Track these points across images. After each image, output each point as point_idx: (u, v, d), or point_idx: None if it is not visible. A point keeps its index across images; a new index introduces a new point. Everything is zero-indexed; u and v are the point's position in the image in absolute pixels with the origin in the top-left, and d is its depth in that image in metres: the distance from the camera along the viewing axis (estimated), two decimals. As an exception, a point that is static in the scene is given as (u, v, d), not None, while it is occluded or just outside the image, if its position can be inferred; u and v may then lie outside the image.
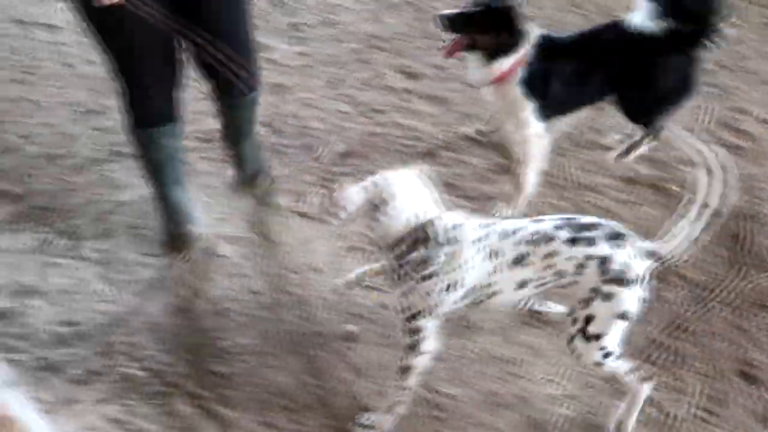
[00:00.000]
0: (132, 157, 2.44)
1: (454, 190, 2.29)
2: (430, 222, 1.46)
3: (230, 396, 1.73)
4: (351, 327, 1.88)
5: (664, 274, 1.92)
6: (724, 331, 1.86)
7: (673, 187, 2.26)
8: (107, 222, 2.22)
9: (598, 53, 2.05)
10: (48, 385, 1.78)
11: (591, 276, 1.43)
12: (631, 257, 1.43)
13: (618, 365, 1.51)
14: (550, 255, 1.44)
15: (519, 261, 1.45)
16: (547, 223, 1.48)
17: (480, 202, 2.24)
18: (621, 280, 1.42)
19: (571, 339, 1.50)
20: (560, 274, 1.45)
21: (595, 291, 1.43)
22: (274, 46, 3.02)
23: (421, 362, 1.55)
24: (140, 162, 2.06)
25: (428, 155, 2.44)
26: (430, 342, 1.55)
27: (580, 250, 1.42)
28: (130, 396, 1.75)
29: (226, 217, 2.25)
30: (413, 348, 1.54)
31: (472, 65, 2.07)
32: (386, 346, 1.82)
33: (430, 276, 1.46)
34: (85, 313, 1.95)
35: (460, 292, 1.49)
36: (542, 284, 1.49)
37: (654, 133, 2.22)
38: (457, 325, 1.87)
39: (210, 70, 1.90)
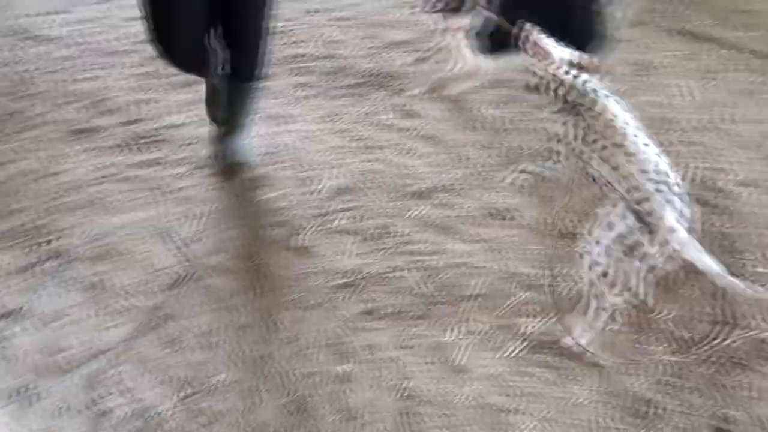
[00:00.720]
0: (125, 180, 2.45)
1: (447, 232, 2.34)
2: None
3: (219, 435, 1.71)
4: (344, 367, 1.88)
5: (650, 328, 2.00)
6: (703, 386, 1.92)
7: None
8: (99, 246, 2.18)
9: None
10: (25, 416, 1.73)
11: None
12: None
13: (606, 290, 1.74)
14: None
15: None
16: None
17: (474, 244, 2.29)
18: None
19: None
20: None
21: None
22: (274, 75, 3.04)
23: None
24: None
25: (423, 195, 2.48)
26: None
27: None
28: (113, 432, 1.72)
29: (218, 246, 2.24)
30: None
31: (440, 18, 2.68)
32: (379, 388, 1.83)
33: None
34: (70, 341, 1.91)
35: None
36: None
37: None
38: (449, 370, 1.89)
39: (229, 42, 2.19)
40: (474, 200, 2.47)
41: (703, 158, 2.71)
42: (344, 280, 2.13)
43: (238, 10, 2.11)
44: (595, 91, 1.73)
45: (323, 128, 2.78)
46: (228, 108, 2.38)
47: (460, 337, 1.97)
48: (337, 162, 2.61)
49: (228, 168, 2.47)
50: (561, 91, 1.75)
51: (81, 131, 2.68)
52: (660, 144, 2.73)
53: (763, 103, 3.06)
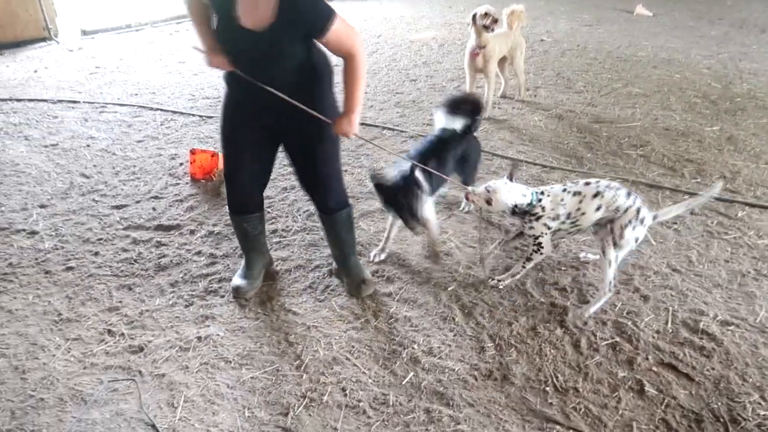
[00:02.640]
0: (105, 369, 2.39)
1: (439, 397, 2.28)
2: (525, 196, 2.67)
3: None
4: None
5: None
6: None
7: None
8: (76, 445, 2.06)
9: (442, 151, 3.09)
10: None
11: (630, 215, 2.57)
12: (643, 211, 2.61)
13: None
14: (613, 198, 2.59)
15: (595, 196, 2.61)
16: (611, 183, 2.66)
17: (468, 409, 2.22)
18: (641, 220, 2.59)
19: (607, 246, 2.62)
20: (615, 209, 2.58)
21: (630, 222, 2.56)
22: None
23: (538, 258, 2.81)
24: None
25: (411, 360, 2.45)
26: (547, 247, 2.77)
27: (630, 201, 2.58)
28: None
29: (205, 434, 2.12)
30: (536, 252, 2.78)
31: None
32: None
33: (538, 217, 2.69)
34: None
35: (562, 219, 2.69)
36: (607, 214, 2.61)
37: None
38: None
39: (307, 188, 2.68)
40: (463, 362, 2.44)
41: (681, 302, 2.78)
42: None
43: (298, 163, 2.60)
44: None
45: (306, 300, 2.80)
46: (331, 244, 2.88)
47: None
48: (324, 333, 2.60)
49: (353, 290, 2.86)
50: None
51: (63, 321, 2.64)
52: (636, 290, 2.85)
53: (725, 244, 3.22)
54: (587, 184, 2.66)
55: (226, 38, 2.25)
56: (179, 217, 3.49)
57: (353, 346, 2.53)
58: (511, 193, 2.64)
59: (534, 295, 2.83)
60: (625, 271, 2.98)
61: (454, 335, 2.59)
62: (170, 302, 2.79)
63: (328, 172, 2.62)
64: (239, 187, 2.67)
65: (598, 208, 2.60)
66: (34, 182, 3.89)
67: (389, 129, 4.79)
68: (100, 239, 3.27)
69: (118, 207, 3.60)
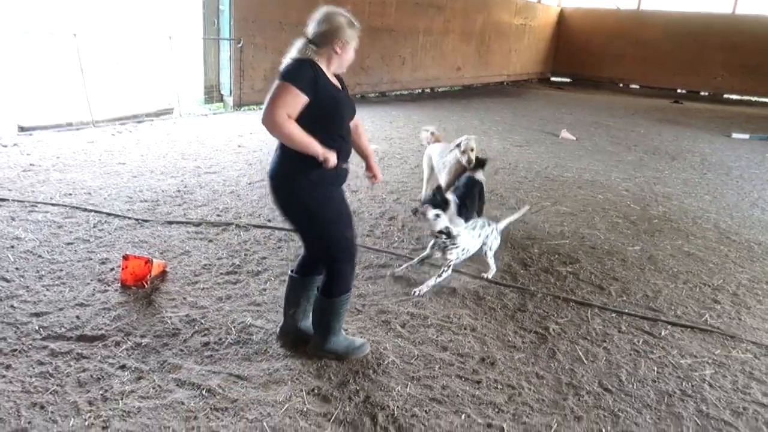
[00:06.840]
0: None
1: None
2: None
3: None
4: None
5: None
6: None
7: None
8: None
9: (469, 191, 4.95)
10: None
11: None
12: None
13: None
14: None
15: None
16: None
17: None
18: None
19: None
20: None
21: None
22: (184, 366, 2.98)
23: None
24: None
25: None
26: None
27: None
28: None
29: None
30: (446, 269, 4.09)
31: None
32: None
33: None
34: None
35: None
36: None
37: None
38: None
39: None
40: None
41: (614, 423, 2.81)
42: None
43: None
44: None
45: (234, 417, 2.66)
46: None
47: None
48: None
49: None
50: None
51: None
52: (571, 410, 2.87)
53: (652, 363, 3.33)
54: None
55: (348, 107, 2.86)
56: (105, 327, 3.31)
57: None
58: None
59: (471, 415, 2.80)
60: (559, 391, 3.02)
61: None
62: (86, 423, 2.58)
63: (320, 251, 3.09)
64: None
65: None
66: (-54, 285, 3.64)
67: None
68: (14, 350, 3.03)
69: (37, 314, 3.39)
